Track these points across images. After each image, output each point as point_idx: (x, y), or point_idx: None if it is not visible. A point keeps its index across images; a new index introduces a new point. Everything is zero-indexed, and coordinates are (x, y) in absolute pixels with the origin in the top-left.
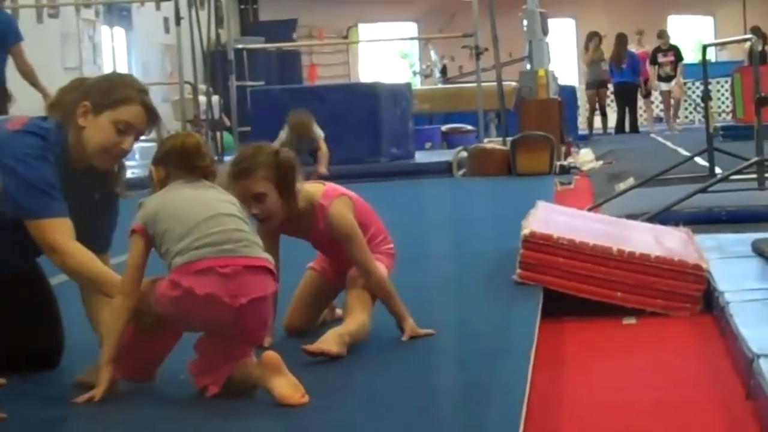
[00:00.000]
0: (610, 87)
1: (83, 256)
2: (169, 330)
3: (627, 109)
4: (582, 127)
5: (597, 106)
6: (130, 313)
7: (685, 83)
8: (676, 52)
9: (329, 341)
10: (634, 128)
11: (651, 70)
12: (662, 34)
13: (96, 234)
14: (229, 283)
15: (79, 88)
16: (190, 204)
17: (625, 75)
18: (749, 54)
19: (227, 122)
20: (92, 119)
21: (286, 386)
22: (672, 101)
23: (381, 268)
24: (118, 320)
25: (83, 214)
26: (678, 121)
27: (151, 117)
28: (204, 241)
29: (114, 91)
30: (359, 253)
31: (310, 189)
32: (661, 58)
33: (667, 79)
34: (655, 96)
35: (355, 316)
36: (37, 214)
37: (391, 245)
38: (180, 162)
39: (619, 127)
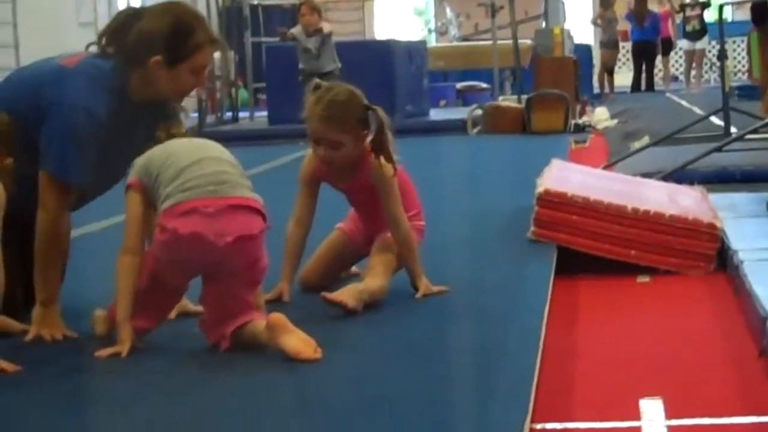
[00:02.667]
0: (624, 47)
1: (60, 232)
2: (167, 287)
3: (644, 68)
4: (596, 86)
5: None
6: (138, 269)
7: None
8: (703, 6)
9: (348, 294)
10: (650, 87)
11: (673, 28)
12: None
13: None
14: (214, 222)
15: (142, 35)
16: (177, 150)
17: (645, 33)
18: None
19: (239, 82)
20: (167, 71)
21: (298, 341)
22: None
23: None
24: (129, 277)
25: (136, 146)
26: (702, 79)
27: (219, 47)
28: (189, 184)
29: (185, 43)
30: (393, 205)
31: None
32: (688, 12)
33: (693, 35)
34: (676, 54)
35: (377, 277)
36: (53, 170)
37: (423, 222)
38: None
39: (635, 86)
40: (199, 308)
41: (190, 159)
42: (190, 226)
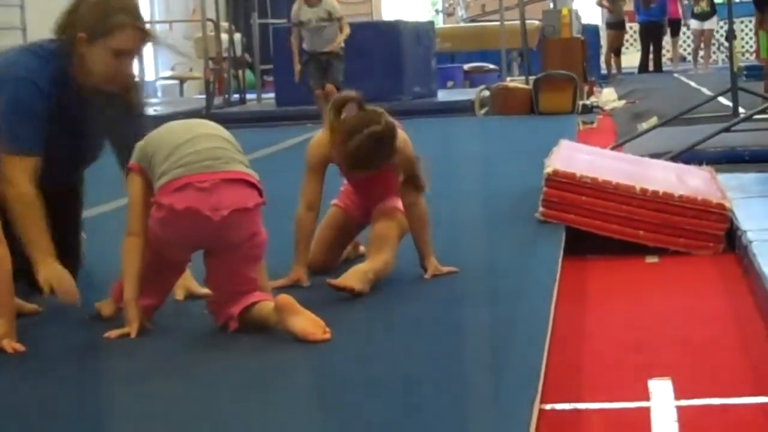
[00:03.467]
0: (632, 27)
1: (32, 198)
2: (168, 262)
3: (652, 48)
4: (603, 66)
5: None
6: (142, 250)
7: None
8: None
9: (353, 278)
10: (658, 68)
11: (681, 9)
12: None
13: (119, 145)
14: (208, 196)
15: (76, 12)
16: (173, 129)
17: (652, 14)
18: None
19: (249, 60)
20: (90, 48)
21: (306, 323)
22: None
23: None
24: (134, 259)
25: (96, 130)
26: (711, 59)
27: (145, 36)
28: (184, 161)
29: (104, 19)
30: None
31: None
32: None
33: (702, 16)
34: (684, 33)
35: (380, 252)
36: (5, 142)
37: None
38: None
39: (643, 67)
40: (206, 290)
41: (184, 137)
42: (185, 201)
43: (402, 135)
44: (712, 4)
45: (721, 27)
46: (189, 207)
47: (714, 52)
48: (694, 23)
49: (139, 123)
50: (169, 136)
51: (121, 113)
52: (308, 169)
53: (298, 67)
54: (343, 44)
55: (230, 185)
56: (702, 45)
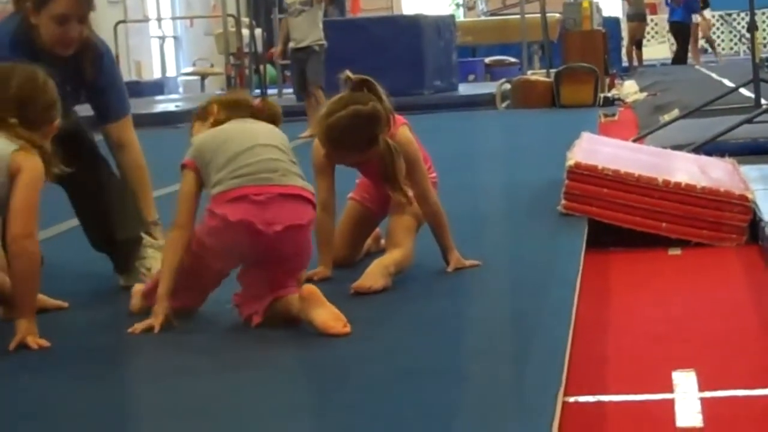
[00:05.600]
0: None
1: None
2: (211, 270)
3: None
4: (624, 59)
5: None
6: (185, 246)
7: (729, 14)
8: None
9: (374, 275)
10: (682, 61)
11: None
12: None
13: (101, 108)
14: (263, 210)
15: None
16: (233, 136)
17: (676, 14)
18: None
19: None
20: (37, 17)
21: (328, 316)
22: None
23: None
24: (175, 253)
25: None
26: (720, 52)
27: (87, 1)
28: (240, 171)
29: None
30: (421, 178)
31: None
32: None
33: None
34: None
35: (400, 244)
36: None
37: (435, 174)
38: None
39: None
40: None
41: (242, 146)
42: (240, 213)
43: (406, 133)
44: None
45: (743, 18)
46: (243, 219)
47: (735, 44)
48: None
49: (116, 89)
50: (227, 142)
51: (91, 81)
52: (315, 172)
53: (280, 48)
54: (324, 41)
55: (286, 200)
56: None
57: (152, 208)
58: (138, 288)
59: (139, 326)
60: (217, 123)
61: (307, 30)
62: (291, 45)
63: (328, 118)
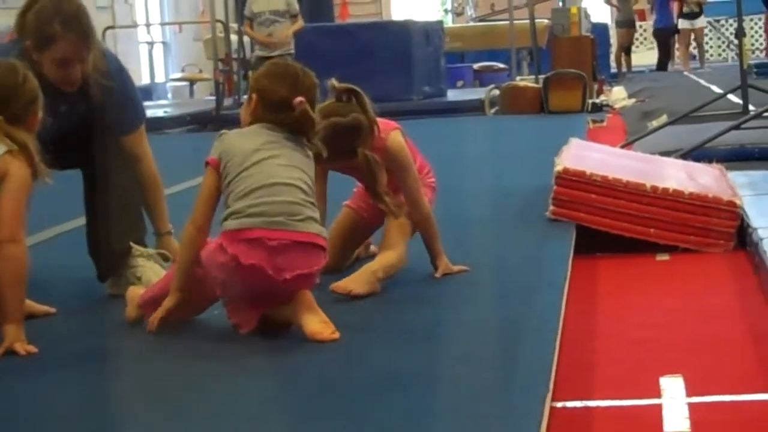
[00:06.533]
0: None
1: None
2: (208, 294)
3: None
4: (613, 65)
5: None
6: (200, 244)
7: (717, 20)
8: None
9: (358, 281)
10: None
11: (675, 6)
12: None
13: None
14: (275, 256)
15: (25, 17)
16: (262, 161)
17: (659, 20)
18: None
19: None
20: (37, 56)
21: (317, 323)
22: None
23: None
24: (189, 251)
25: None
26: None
27: (85, 42)
28: (258, 210)
29: (42, 30)
30: (413, 184)
31: None
32: None
33: (691, 15)
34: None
35: (393, 246)
36: None
37: (434, 179)
38: (292, 125)
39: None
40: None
41: (266, 180)
42: (253, 257)
43: (397, 138)
44: (700, 4)
45: (731, 25)
46: (254, 265)
47: (723, 50)
48: (684, 23)
49: (122, 107)
50: (250, 171)
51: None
52: None
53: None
54: (292, 49)
55: (299, 248)
56: (694, 44)
57: (165, 219)
58: (134, 293)
59: (156, 314)
60: (255, 115)
61: (283, 34)
62: (259, 53)
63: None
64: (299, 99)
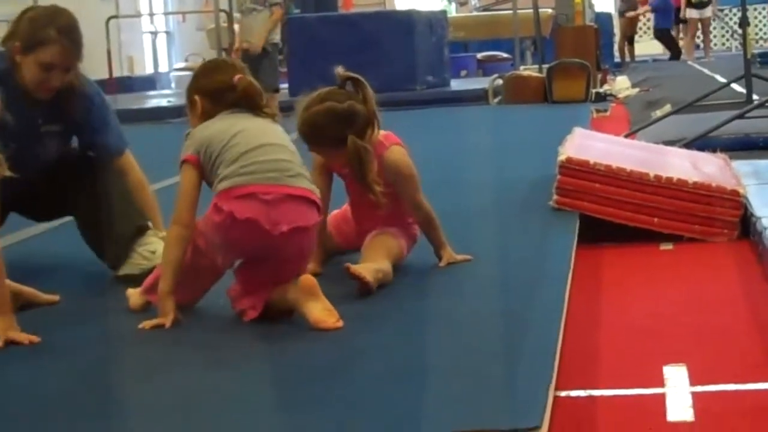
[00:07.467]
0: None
1: None
2: (212, 265)
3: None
4: (616, 55)
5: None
6: (186, 242)
7: (721, 9)
8: None
9: (367, 270)
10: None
11: None
12: None
13: (98, 147)
14: (270, 210)
15: (18, 23)
16: (240, 132)
17: (657, 21)
18: None
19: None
20: (23, 58)
21: (321, 311)
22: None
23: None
24: (175, 250)
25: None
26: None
27: (75, 53)
28: (249, 168)
29: (35, 32)
30: (413, 192)
31: None
32: None
33: (700, 5)
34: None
35: (383, 260)
36: None
37: (417, 227)
38: (240, 102)
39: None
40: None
41: (253, 143)
42: (247, 211)
43: (399, 150)
44: None
45: (735, 14)
46: (250, 218)
47: (727, 40)
48: (692, 12)
49: (105, 125)
50: (237, 138)
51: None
52: (313, 169)
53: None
54: (277, 39)
55: (293, 201)
56: (701, 34)
57: (159, 225)
58: (132, 291)
59: (149, 323)
60: (207, 114)
61: (259, 30)
62: (243, 45)
63: (305, 112)
64: (237, 76)
